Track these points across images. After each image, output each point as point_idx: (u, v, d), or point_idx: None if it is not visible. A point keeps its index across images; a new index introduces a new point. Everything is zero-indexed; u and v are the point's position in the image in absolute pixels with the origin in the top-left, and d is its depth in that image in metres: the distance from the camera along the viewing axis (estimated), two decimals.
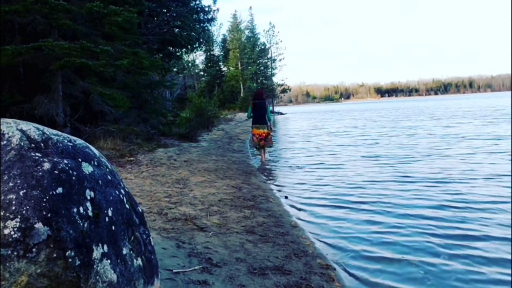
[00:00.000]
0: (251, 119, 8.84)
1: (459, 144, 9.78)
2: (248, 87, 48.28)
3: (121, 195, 1.65)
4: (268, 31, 54.20)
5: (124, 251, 1.53)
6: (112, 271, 1.41)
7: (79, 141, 1.65)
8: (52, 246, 1.27)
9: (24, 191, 1.30)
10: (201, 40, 20.05)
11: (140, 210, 1.80)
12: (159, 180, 5.54)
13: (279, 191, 5.71)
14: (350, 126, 19.70)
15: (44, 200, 1.31)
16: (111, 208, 1.54)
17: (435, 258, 3.06)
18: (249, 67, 51.43)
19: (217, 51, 54.30)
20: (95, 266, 1.35)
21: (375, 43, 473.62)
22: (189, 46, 17.33)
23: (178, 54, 19.07)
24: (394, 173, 6.49)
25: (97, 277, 1.35)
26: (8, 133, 1.44)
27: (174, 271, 2.42)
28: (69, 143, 1.56)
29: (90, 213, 1.42)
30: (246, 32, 55.23)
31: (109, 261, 1.41)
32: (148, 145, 8.98)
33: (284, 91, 57.33)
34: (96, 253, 1.37)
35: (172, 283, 2.25)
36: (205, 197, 4.68)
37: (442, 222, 3.87)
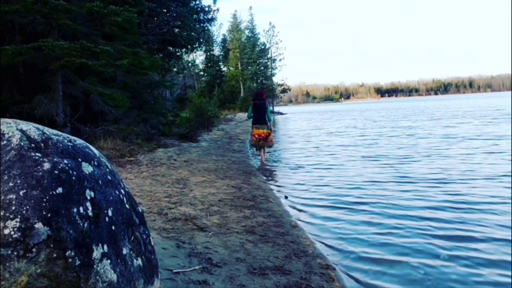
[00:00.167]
0: (251, 119, 8.86)
1: (459, 144, 9.78)
2: (248, 87, 48.28)
3: (121, 195, 1.65)
4: (268, 31, 54.29)
5: (124, 251, 1.53)
6: (112, 271, 1.41)
7: (79, 141, 1.65)
8: (52, 246, 1.27)
9: (24, 191, 1.30)
10: (201, 40, 20.04)
11: (140, 210, 1.80)
12: (159, 180, 5.54)
13: (279, 191, 5.71)
14: (350, 126, 19.70)
15: (44, 200, 1.31)
16: (111, 208, 1.54)
17: (434, 259, 3.04)
18: (249, 67, 51.44)
19: (217, 51, 54.36)
20: (95, 266, 1.35)
21: (375, 43, 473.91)
22: (189, 46, 17.33)
23: (178, 54, 19.07)
24: (394, 173, 6.49)
25: (97, 277, 1.35)
26: (8, 133, 1.44)
27: (174, 271, 2.42)
28: (69, 143, 1.56)
29: (90, 213, 1.42)
30: (246, 32, 55.28)
31: (109, 261, 1.41)
32: (148, 145, 8.98)
33: (284, 91, 57.34)
34: (96, 253, 1.37)
35: (172, 283, 2.25)
36: (205, 197, 4.68)
37: (442, 223, 3.85)
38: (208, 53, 51.64)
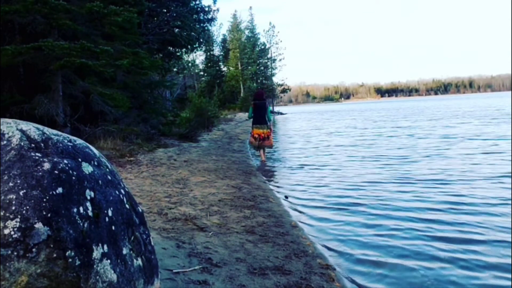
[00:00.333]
0: (251, 119, 8.89)
1: (459, 144, 9.78)
2: (248, 87, 48.29)
3: (121, 195, 1.65)
4: (268, 31, 54.30)
5: (124, 251, 1.53)
6: (112, 271, 1.41)
7: (79, 141, 1.65)
8: (52, 246, 1.27)
9: (24, 191, 1.30)
10: (201, 40, 20.04)
11: (140, 210, 1.80)
12: (159, 180, 5.54)
13: (279, 192, 5.70)
14: (349, 126, 19.70)
15: (44, 200, 1.31)
16: (111, 208, 1.54)
17: (434, 262, 3.02)
18: (249, 67, 51.45)
19: (217, 51, 54.38)
20: (95, 266, 1.35)
21: (375, 43, 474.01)
22: (189, 46, 17.33)
23: (178, 54, 19.07)
24: (394, 174, 6.48)
25: (97, 277, 1.35)
26: (8, 133, 1.44)
27: (174, 271, 2.42)
28: (69, 143, 1.56)
29: (90, 213, 1.42)
30: (246, 32, 55.30)
31: (109, 261, 1.41)
32: (148, 145, 8.98)
33: (284, 91, 57.36)
34: (96, 253, 1.37)
35: (172, 283, 2.25)
36: (205, 197, 4.68)
37: (441, 225, 3.82)
38: (208, 53, 51.65)
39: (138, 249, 1.63)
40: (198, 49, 27.04)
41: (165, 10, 15.45)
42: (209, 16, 19.00)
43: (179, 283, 2.27)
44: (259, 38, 55.24)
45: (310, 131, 18.37)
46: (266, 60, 53.54)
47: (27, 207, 1.28)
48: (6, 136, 1.43)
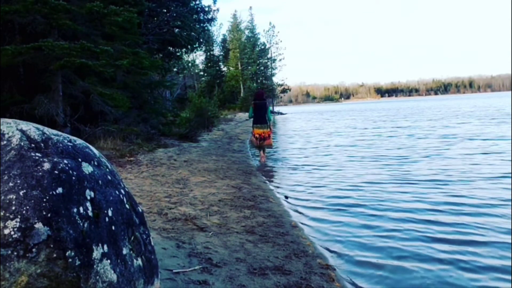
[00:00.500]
0: (251, 119, 8.91)
1: (459, 144, 9.78)
2: (248, 87, 48.29)
3: (121, 195, 1.65)
4: (268, 31, 54.32)
5: (124, 251, 1.53)
6: (112, 271, 1.41)
7: (79, 141, 1.65)
8: (52, 246, 1.27)
9: (24, 191, 1.30)
10: (201, 40, 20.06)
11: (140, 210, 1.80)
12: (159, 180, 5.54)
13: (278, 192, 5.70)
14: (349, 126, 19.70)
15: (44, 200, 1.31)
16: (111, 208, 1.54)
17: (434, 264, 3.00)
18: (249, 67, 51.46)
19: (217, 51, 54.39)
20: (95, 266, 1.35)
21: (375, 43, 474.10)
22: (189, 46, 17.34)
23: (178, 54, 19.08)
24: (394, 174, 6.48)
25: (97, 277, 1.35)
26: (8, 133, 1.44)
27: (174, 271, 2.42)
28: (69, 143, 1.56)
29: (90, 213, 1.42)
30: (246, 32, 55.32)
31: (109, 261, 1.41)
32: (148, 145, 8.98)
33: (284, 91, 57.37)
34: (96, 253, 1.37)
35: (172, 283, 2.25)
36: (205, 197, 4.68)
37: (441, 226, 3.81)
38: (208, 53, 51.66)
39: (138, 249, 1.63)
40: (198, 49, 27.07)
41: (165, 10, 15.46)
42: (209, 16, 19.01)
43: (179, 283, 2.27)
44: (259, 38, 55.31)
45: (310, 131, 18.37)
46: (266, 60, 53.55)
47: (27, 207, 1.28)
48: (6, 136, 1.43)
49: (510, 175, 5.73)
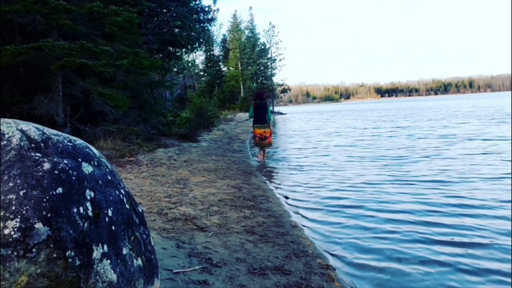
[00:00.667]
0: (251, 119, 8.94)
1: (459, 144, 9.78)
2: (248, 87, 48.30)
3: (121, 195, 1.65)
4: (268, 31, 54.36)
5: (124, 251, 1.53)
6: (112, 271, 1.41)
7: (79, 141, 1.65)
8: (52, 246, 1.27)
9: (24, 191, 1.30)
10: (201, 40, 20.06)
11: (140, 210, 1.80)
12: (159, 180, 5.54)
13: (278, 192, 5.70)
14: (349, 126, 19.69)
15: (44, 200, 1.31)
16: (111, 208, 1.54)
17: (433, 266, 2.99)
18: (249, 67, 51.47)
19: (217, 51, 54.40)
20: (95, 266, 1.35)
21: (375, 43, 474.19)
22: (189, 46, 17.35)
23: (178, 54, 19.09)
24: (393, 174, 6.47)
25: (97, 277, 1.35)
26: (8, 133, 1.44)
27: (174, 271, 2.42)
28: (69, 143, 1.56)
29: (90, 213, 1.42)
30: (246, 32, 55.34)
31: (109, 261, 1.41)
32: (148, 145, 8.98)
33: (284, 91, 57.39)
34: (96, 253, 1.37)
35: (172, 283, 2.25)
36: (205, 197, 4.68)
37: (441, 227, 3.79)
38: (208, 53, 51.67)
39: (138, 249, 1.63)
40: (198, 49, 27.07)
41: (165, 10, 15.47)
42: (209, 16, 19.02)
43: (179, 283, 2.27)
44: (259, 38, 55.33)
45: (309, 131, 18.36)
46: (266, 60, 53.57)
47: (27, 207, 1.28)
48: (6, 136, 1.43)
49: (510, 175, 5.72)
